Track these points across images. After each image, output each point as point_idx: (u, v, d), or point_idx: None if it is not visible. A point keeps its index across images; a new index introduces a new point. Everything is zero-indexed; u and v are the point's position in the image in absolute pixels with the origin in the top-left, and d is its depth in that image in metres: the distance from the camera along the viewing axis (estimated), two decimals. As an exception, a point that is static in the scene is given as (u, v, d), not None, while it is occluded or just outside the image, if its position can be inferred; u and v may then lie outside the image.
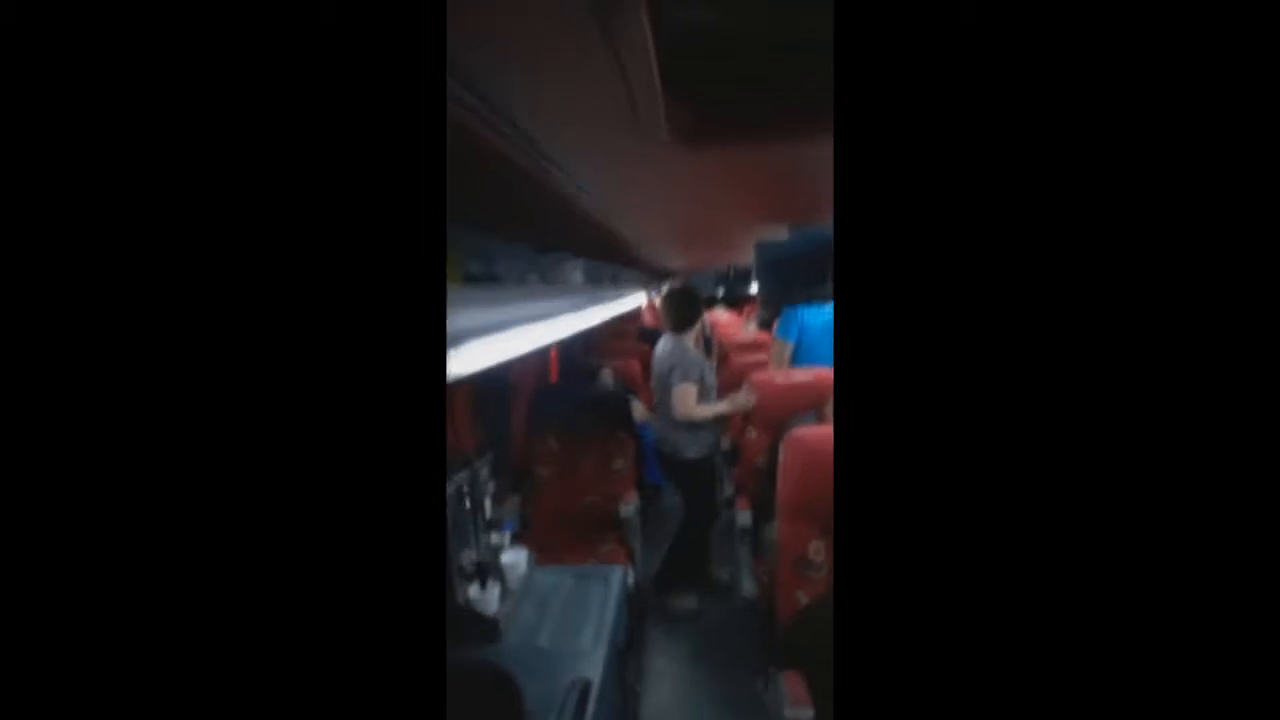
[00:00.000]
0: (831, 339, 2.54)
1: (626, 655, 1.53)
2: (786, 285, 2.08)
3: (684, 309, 2.14)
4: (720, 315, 5.07)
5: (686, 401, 2.04)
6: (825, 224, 1.94)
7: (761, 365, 2.63)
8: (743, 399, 2.13)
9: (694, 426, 2.08)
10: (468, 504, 1.35)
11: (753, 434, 2.25)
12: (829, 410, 1.85)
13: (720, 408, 2.11)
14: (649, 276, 4.63)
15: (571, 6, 0.40)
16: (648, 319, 4.60)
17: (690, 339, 2.14)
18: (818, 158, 0.95)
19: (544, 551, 1.66)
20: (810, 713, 1.05)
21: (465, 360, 0.71)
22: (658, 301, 4.61)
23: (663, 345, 2.15)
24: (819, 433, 1.41)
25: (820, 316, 2.51)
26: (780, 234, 2.05)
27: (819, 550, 1.33)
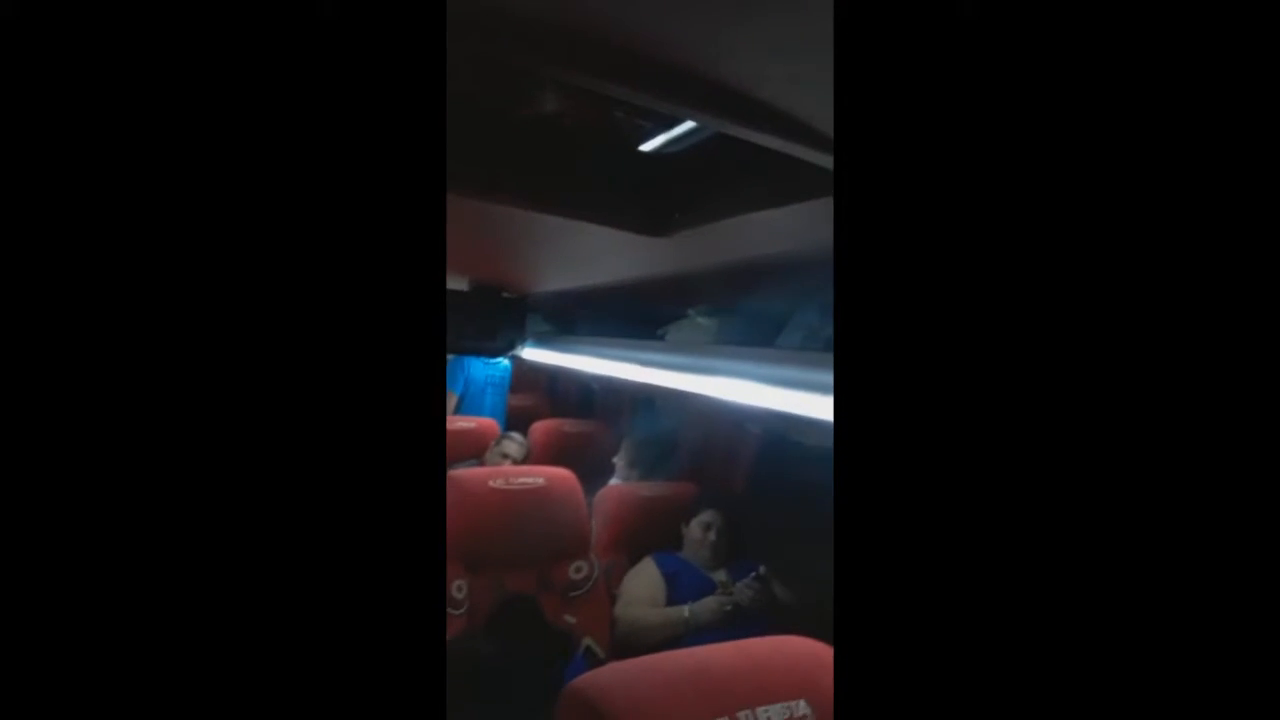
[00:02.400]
0: (495, 393, 2.67)
1: None
2: (456, 334, 2.14)
3: None
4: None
5: None
6: (498, 282, 2.09)
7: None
8: None
9: None
10: None
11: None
12: (487, 456, 1.93)
13: None
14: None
15: None
16: None
17: None
18: (498, 224, 1.05)
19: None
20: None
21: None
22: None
23: None
24: (471, 474, 1.47)
25: (486, 370, 2.62)
26: (459, 284, 2.12)
27: (461, 588, 1.36)
